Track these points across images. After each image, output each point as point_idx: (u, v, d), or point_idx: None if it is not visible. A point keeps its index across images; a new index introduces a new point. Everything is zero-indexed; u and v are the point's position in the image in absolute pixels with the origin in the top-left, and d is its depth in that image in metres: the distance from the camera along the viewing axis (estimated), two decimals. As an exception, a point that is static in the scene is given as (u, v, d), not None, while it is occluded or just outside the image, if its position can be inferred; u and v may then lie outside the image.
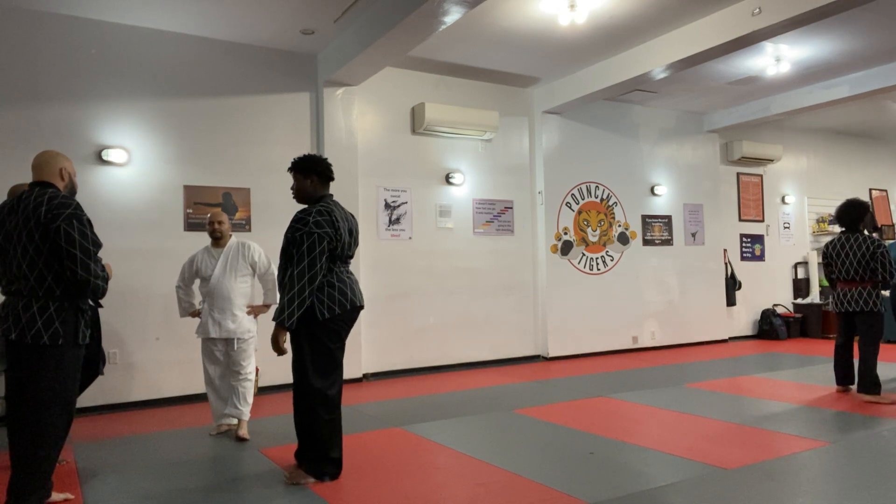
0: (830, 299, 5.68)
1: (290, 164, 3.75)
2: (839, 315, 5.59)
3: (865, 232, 5.51)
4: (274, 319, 3.40)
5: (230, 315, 4.48)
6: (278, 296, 4.66)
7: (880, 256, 5.27)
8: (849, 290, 5.41)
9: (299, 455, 3.68)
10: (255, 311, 4.64)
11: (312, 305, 3.42)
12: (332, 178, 3.75)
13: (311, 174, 3.66)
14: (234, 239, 4.67)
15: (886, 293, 7.25)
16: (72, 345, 3.00)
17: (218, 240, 4.61)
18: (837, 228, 10.03)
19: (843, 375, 5.58)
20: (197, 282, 4.68)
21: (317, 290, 3.44)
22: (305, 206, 3.67)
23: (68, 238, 2.94)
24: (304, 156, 3.76)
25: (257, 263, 4.63)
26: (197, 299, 4.73)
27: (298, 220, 3.48)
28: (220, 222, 4.61)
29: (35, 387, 2.94)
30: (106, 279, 3.13)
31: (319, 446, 3.52)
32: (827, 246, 5.59)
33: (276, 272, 4.69)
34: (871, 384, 5.23)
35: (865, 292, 5.32)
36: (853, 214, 5.48)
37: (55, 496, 3.17)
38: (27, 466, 2.92)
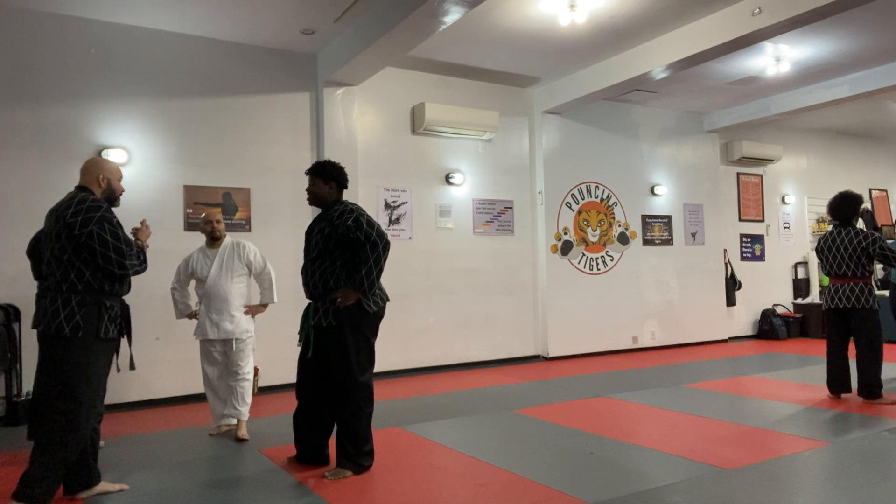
0: (823, 296, 5.48)
1: (310, 167, 3.84)
2: (830, 313, 5.34)
3: (860, 225, 5.35)
4: (356, 289, 3.56)
5: (227, 316, 4.48)
6: (275, 295, 4.69)
7: (877, 249, 5.05)
8: (841, 286, 5.20)
9: (338, 453, 3.68)
10: (252, 310, 4.64)
11: (359, 301, 3.60)
12: (347, 186, 3.88)
13: (332, 181, 3.78)
14: (229, 239, 4.65)
15: (885, 293, 7.19)
16: (93, 338, 3.11)
17: (216, 240, 4.59)
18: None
19: (839, 383, 5.30)
20: (193, 283, 4.66)
21: None
22: (320, 207, 3.83)
23: (101, 241, 3.11)
24: (326, 162, 3.85)
25: (253, 263, 4.61)
26: (193, 300, 4.72)
27: (351, 211, 3.63)
28: (217, 221, 4.60)
29: (57, 377, 3.08)
30: (144, 261, 3.40)
31: (360, 440, 3.63)
32: (819, 240, 5.44)
33: (272, 271, 4.71)
34: (873, 387, 5.11)
35: (858, 288, 5.13)
36: (847, 208, 5.29)
37: (107, 486, 3.37)
38: (45, 455, 3.02)
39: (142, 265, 3.39)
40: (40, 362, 3.28)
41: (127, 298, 5.15)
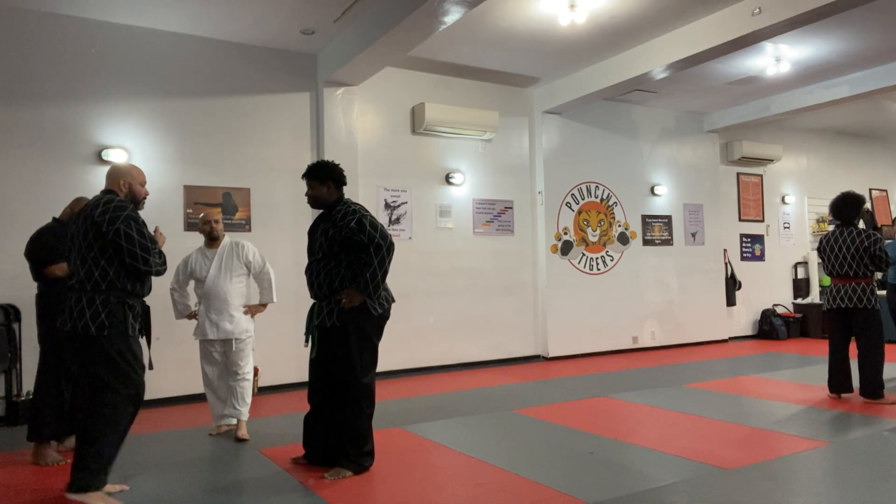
0: (825, 296, 5.50)
1: (305, 172, 3.82)
2: (832, 313, 5.35)
3: (861, 226, 5.34)
4: (361, 292, 3.55)
5: (227, 316, 4.47)
6: (274, 294, 4.69)
7: (877, 250, 5.06)
8: (843, 286, 5.22)
9: (339, 453, 3.67)
10: (252, 310, 4.63)
11: (365, 303, 3.58)
12: (346, 183, 3.85)
13: (328, 181, 3.74)
14: (228, 239, 4.64)
15: (882, 292, 7.18)
16: (122, 334, 3.21)
17: (214, 240, 4.59)
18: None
19: (840, 383, 5.30)
20: (192, 283, 4.66)
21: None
22: (321, 209, 3.81)
23: (128, 238, 3.19)
24: (319, 163, 3.83)
25: (252, 263, 4.61)
26: (192, 301, 4.71)
27: (354, 212, 3.61)
28: (216, 221, 4.59)
29: (87, 374, 3.19)
30: (164, 262, 3.41)
31: (360, 441, 3.63)
32: (821, 240, 5.44)
33: (271, 271, 4.70)
34: (875, 387, 5.10)
35: (860, 288, 5.14)
36: (848, 208, 5.30)
37: (109, 486, 3.36)
38: (92, 447, 3.14)
39: (163, 265, 3.43)
40: (71, 363, 3.32)
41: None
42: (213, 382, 4.60)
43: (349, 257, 3.62)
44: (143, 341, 3.44)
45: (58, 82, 5.50)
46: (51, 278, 4.03)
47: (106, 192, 3.40)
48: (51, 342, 4.02)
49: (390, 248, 3.58)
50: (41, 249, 4.08)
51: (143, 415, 5.33)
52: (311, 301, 3.80)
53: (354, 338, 3.60)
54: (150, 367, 3.61)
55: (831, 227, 5.52)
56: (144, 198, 3.53)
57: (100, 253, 3.20)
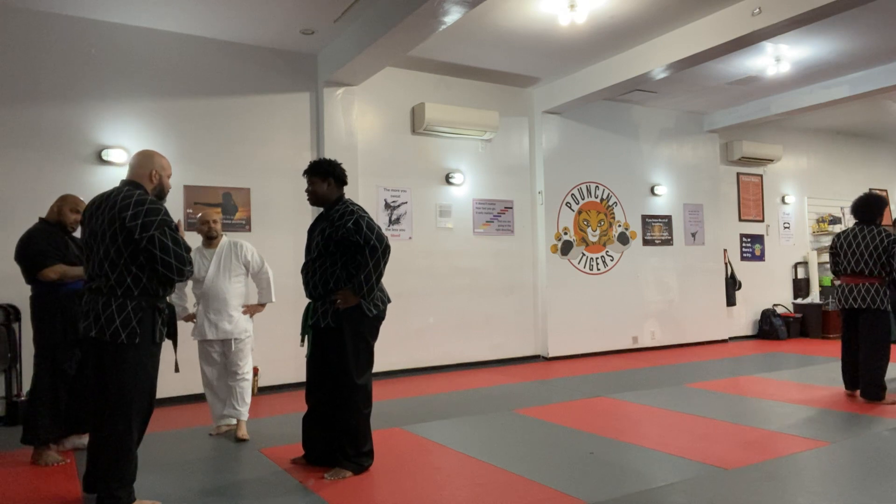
0: (832, 296, 5.47)
1: (306, 168, 3.82)
2: (842, 312, 5.34)
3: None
4: (355, 293, 3.53)
5: (226, 316, 4.46)
6: (273, 294, 4.68)
7: (894, 249, 4.97)
8: (854, 286, 5.16)
9: (338, 453, 3.66)
10: (251, 310, 4.63)
11: (360, 304, 3.57)
12: (346, 182, 3.85)
13: (329, 177, 3.74)
14: (226, 238, 4.63)
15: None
16: (149, 343, 3.08)
17: (212, 239, 4.57)
18: (838, 228, 10.11)
19: (851, 380, 5.30)
20: (189, 284, 4.65)
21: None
22: (321, 207, 3.82)
23: (163, 248, 3.02)
24: (320, 160, 3.84)
25: (250, 262, 4.60)
26: (190, 302, 4.69)
27: (352, 213, 3.60)
28: (214, 221, 4.58)
29: (114, 383, 3.02)
30: (192, 266, 3.24)
31: (359, 441, 3.63)
32: (837, 236, 5.36)
33: (269, 271, 4.70)
34: (876, 389, 5.07)
35: (873, 289, 5.07)
36: (873, 207, 5.23)
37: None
38: (106, 456, 3.01)
39: (191, 269, 3.26)
40: (92, 370, 3.12)
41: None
42: (213, 383, 4.59)
43: (345, 257, 3.62)
44: (167, 343, 3.32)
45: (57, 82, 5.50)
46: (45, 281, 3.98)
47: (133, 185, 3.15)
48: (46, 344, 3.99)
49: (386, 250, 3.58)
50: (32, 253, 3.98)
51: (142, 415, 5.35)
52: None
53: (350, 339, 3.60)
54: (177, 370, 3.53)
55: (841, 227, 5.49)
56: (169, 191, 3.35)
57: (130, 259, 3.01)
